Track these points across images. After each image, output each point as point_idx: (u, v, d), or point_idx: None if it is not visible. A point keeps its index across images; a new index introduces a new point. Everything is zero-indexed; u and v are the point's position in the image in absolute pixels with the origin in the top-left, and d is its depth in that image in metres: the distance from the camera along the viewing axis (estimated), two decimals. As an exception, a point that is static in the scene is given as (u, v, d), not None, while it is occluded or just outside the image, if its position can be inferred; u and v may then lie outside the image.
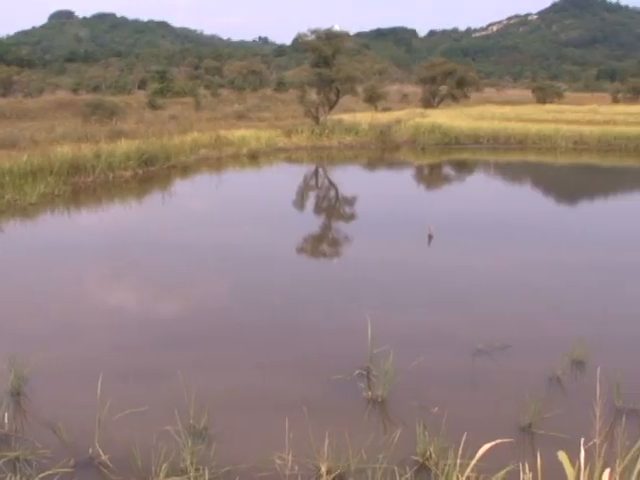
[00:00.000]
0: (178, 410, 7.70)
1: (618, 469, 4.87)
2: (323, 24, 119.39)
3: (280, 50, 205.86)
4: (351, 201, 25.09)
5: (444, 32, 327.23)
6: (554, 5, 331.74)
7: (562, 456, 4.92)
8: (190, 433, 7.52)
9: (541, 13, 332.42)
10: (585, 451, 4.95)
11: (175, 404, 7.95)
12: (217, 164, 32.36)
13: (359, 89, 50.25)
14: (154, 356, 10.15)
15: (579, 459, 4.95)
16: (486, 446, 4.80)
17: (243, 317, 11.95)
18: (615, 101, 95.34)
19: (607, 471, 4.69)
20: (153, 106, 55.32)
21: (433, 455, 7.13)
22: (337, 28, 44.35)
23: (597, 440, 4.89)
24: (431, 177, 34.13)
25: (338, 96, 42.75)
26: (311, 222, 21.56)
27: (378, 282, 14.20)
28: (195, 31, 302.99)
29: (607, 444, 5.70)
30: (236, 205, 23.72)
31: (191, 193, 26.22)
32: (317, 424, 7.59)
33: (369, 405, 8.58)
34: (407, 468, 6.98)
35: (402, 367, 8.84)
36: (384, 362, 8.78)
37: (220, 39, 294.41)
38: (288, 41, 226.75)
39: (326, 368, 9.51)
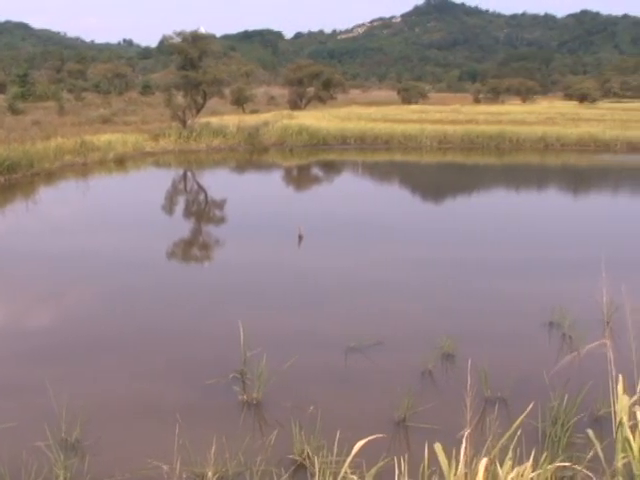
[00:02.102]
0: (49, 424, 7.48)
1: (490, 456, 5.02)
2: (189, 26, 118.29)
3: (145, 52, 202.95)
4: (221, 204, 24.97)
5: (310, 34, 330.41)
6: (417, 9, 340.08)
7: (437, 447, 5.06)
8: (62, 447, 7.30)
9: (404, 16, 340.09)
10: (457, 440, 5.09)
11: (45, 418, 7.72)
12: (83, 170, 31.57)
13: (226, 91, 50.07)
14: (21, 370, 9.81)
15: (453, 449, 5.09)
16: (360, 442, 4.88)
17: (113, 325, 11.70)
18: (476, 101, 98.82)
19: (484, 460, 4.84)
20: (14, 111, 53.48)
21: (310, 454, 7.17)
22: (203, 30, 44.13)
23: (468, 429, 5.03)
24: (300, 178, 34.33)
25: (205, 99, 42.49)
26: (181, 226, 21.33)
27: (249, 285, 14.17)
28: (57, 33, 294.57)
29: (478, 433, 5.87)
30: (104, 211, 23.21)
31: (56, 200, 25.49)
32: (193, 429, 7.52)
33: (245, 408, 8.55)
34: (285, 468, 7.00)
35: (276, 368, 8.85)
36: (258, 364, 8.78)
37: (83, 41, 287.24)
38: (154, 43, 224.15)
39: (201, 373, 9.42)
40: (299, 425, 7.40)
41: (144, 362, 10.04)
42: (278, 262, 16.01)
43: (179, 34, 42.14)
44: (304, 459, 7.20)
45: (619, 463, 5.06)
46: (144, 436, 7.79)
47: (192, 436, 7.22)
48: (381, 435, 5.34)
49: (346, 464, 5.01)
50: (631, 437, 5.06)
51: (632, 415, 5.17)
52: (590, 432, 5.64)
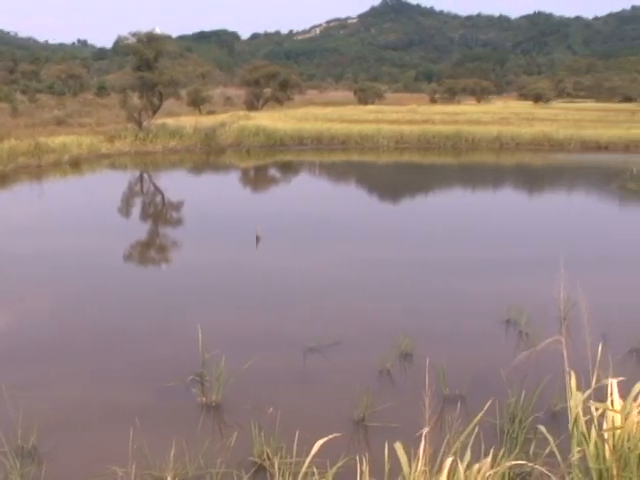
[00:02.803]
0: (4, 431, 7.37)
1: (450, 454, 5.07)
2: (144, 26, 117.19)
3: (101, 53, 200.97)
4: (178, 206, 24.82)
5: (266, 35, 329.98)
6: (373, 9, 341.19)
7: (398, 447, 5.08)
8: (19, 454, 7.21)
9: (361, 17, 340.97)
10: (416, 439, 5.12)
11: (0, 425, 7.60)
12: (37, 172, 31.19)
13: (182, 92, 49.80)
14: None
15: (413, 448, 5.12)
16: (319, 442, 4.89)
17: (71, 328, 11.58)
18: (433, 101, 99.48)
19: (449, 460, 4.88)
20: (-35, 112, 52.71)
21: (270, 455, 7.16)
22: (158, 31, 43.85)
23: (427, 428, 5.06)
24: (257, 179, 34.28)
25: (161, 100, 42.20)
26: (138, 229, 21.17)
27: (207, 287, 14.12)
28: (8, 33, 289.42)
29: (437, 431, 5.91)
30: (59, 214, 22.96)
31: (11, 203, 25.15)
32: (152, 433, 7.47)
33: (204, 410, 8.52)
34: (245, 470, 6.98)
35: (235, 370, 8.82)
36: (217, 366, 8.74)
37: (36, 42, 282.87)
38: (109, 44, 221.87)
39: (160, 376, 9.36)
40: (258, 426, 7.39)
41: (102, 365, 9.94)
42: (236, 263, 15.96)
43: (134, 35, 41.84)
44: (264, 460, 7.18)
45: (575, 457, 5.13)
46: (103, 441, 7.72)
47: (151, 440, 7.17)
48: (339, 434, 5.35)
49: (305, 464, 5.02)
50: (586, 431, 5.13)
51: (587, 410, 5.24)
52: (543, 428, 5.72)
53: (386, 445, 5.30)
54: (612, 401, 5.31)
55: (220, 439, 7.64)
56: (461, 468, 5.08)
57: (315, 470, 5.43)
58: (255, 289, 13.93)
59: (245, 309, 12.55)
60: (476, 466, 5.11)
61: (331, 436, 5.02)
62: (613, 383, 5.34)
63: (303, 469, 5.11)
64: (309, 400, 8.87)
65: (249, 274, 15.10)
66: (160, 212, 24.68)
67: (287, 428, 7.16)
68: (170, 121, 44.33)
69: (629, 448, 4.96)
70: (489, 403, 5.91)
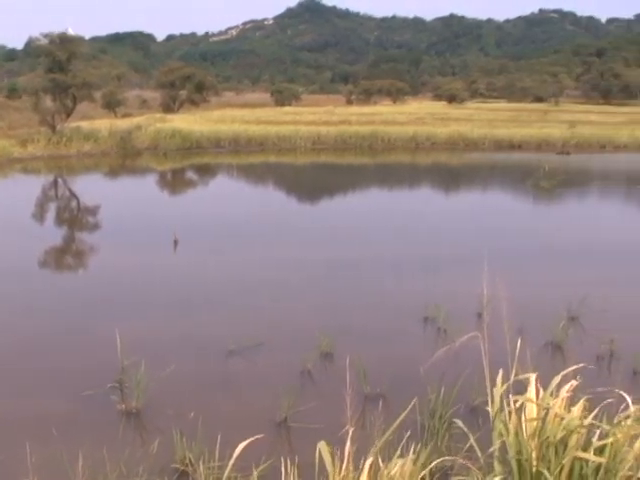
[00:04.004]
0: None
1: (375, 451, 5.09)
2: (56, 27, 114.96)
3: (11, 54, 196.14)
4: (94, 211, 24.37)
5: (182, 36, 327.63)
6: (289, 11, 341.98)
7: (322, 446, 5.08)
8: None
9: (276, 18, 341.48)
10: (339, 438, 5.13)
11: None
12: (-54, 178, 30.30)
13: (97, 95, 49.00)
14: None
15: (336, 447, 5.12)
16: (242, 445, 4.85)
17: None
18: (349, 102, 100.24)
19: (369, 460, 4.90)
20: None
21: (192, 460, 7.07)
22: (71, 32, 43.09)
23: (349, 426, 5.07)
24: (174, 182, 33.99)
25: (75, 103, 41.44)
26: (53, 235, 20.69)
27: (124, 292, 13.91)
28: None
29: (359, 429, 5.93)
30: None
31: None
32: (70, 443, 7.31)
33: (124, 418, 8.38)
34: (168, 477, 6.89)
35: (156, 376, 8.69)
36: (137, 372, 8.60)
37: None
38: (20, 45, 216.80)
39: (77, 384, 9.16)
40: (180, 432, 7.29)
41: (14, 375, 9.67)
42: (154, 268, 15.77)
43: (46, 36, 40.99)
44: (187, 466, 7.10)
45: (496, 447, 5.21)
46: (19, 454, 7.51)
47: (70, 450, 7.00)
48: (261, 436, 5.32)
49: (228, 468, 4.98)
50: (506, 423, 5.22)
51: (507, 402, 5.33)
52: (460, 422, 5.80)
53: (307, 446, 5.30)
54: (530, 393, 5.41)
55: (141, 446, 7.53)
56: (384, 466, 5.10)
57: (238, 474, 5.40)
58: (174, 293, 13.79)
59: (164, 313, 12.41)
60: (398, 463, 5.14)
61: (253, 438, 4.99)
62: (531, 376, 5.45)
63: (226, 473, 5.07)
64: (231, 403, 8.82)
65: (167, 278, 14.93)
66: (75, 217, 24.23)
67: (209, 432, 7.09)
68: (85, 124, 43.59)
69: (547, 438, 5.06)
70: (413, 402, 5.95)
